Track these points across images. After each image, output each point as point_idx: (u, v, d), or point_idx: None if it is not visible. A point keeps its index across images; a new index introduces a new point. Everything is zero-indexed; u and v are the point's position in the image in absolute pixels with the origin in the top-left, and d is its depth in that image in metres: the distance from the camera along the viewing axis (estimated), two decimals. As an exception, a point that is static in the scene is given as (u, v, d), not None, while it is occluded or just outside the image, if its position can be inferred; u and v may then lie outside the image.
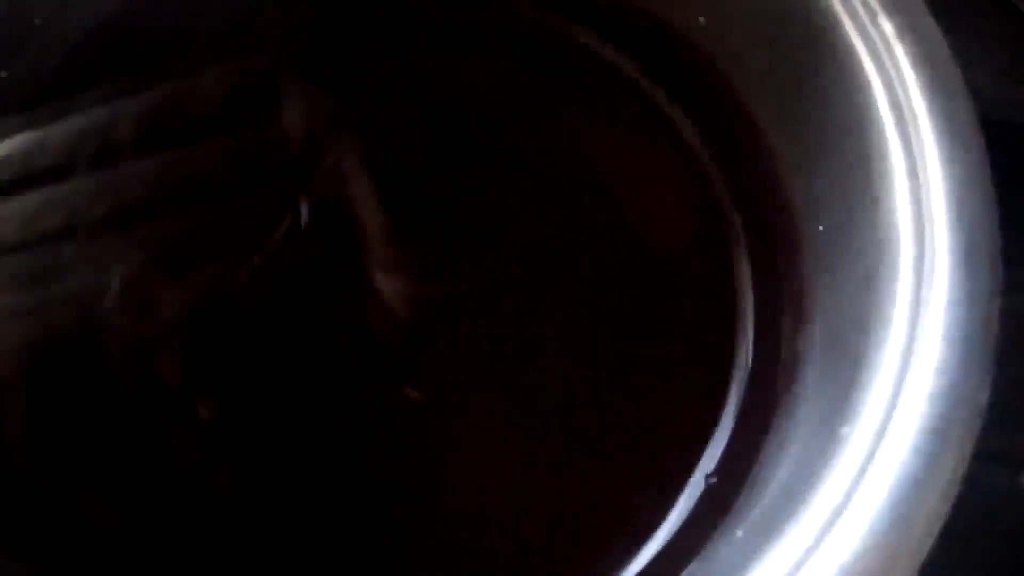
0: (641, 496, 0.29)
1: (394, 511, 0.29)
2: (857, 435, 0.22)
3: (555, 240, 0.32)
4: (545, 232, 0.32)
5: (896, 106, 0.25)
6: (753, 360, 0.30)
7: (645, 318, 0.31)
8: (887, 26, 0.25)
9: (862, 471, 0.21)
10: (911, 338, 0.22)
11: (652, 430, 0.30)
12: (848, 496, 0.21)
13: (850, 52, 0.26)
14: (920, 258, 0.23)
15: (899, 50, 0.25)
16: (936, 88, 0.25)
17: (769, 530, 0.22)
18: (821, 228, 0.28)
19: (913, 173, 0.24)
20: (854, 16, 0.26)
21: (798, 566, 0.21)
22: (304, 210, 0.31)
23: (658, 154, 0.34)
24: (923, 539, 0.20)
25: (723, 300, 0.31)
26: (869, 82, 0.26)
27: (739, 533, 0.24)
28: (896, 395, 0.22)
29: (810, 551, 0.21)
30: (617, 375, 0.31)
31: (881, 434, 0.22)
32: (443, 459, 0.30)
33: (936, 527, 0.21)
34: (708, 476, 0.29)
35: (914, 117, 0.25)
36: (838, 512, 0.21)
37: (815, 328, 0.27)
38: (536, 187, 0.33)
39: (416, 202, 0.32)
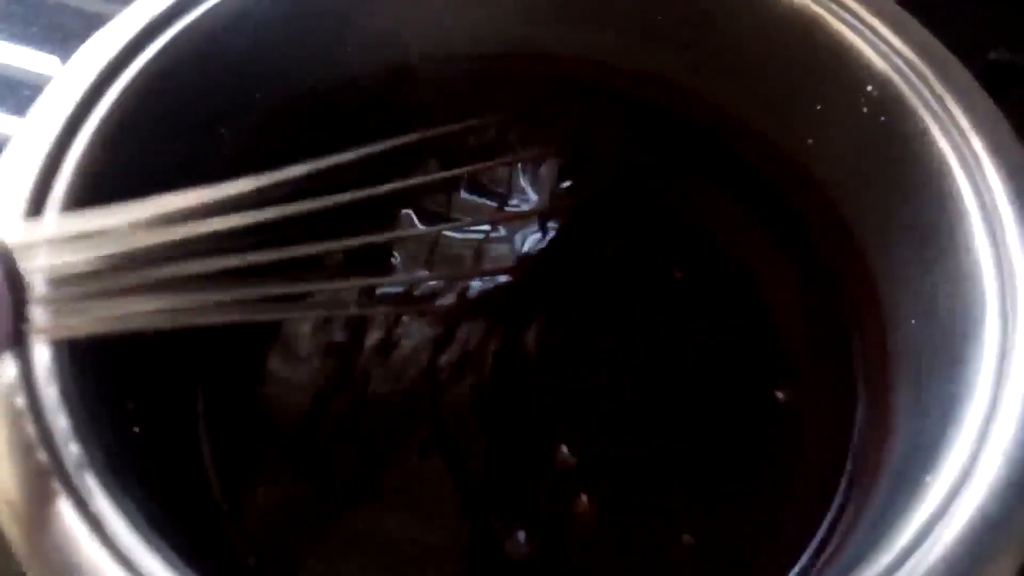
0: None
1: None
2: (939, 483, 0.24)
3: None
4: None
5: (986, 216, 0.29)
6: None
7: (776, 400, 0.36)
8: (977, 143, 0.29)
9: (941, 514, 0.24)
10: (992, 403, 0.25)
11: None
12: (926, 534, 0.24)
13: (945, 170, 0.30)
14: (1004, 339, 0.26)
15: (990, 168, 0.29)
16: (1021, 198, 0.28)
17: None
18: (913, 322, 0.31)
19: (1000, 271, 0.28)
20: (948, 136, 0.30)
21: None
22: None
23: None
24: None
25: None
26: (963, 201, 0.29)
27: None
28: (977, 454, 0.25)
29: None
30: (743, 446, 0.35)
31: (961, 485, 0.24)
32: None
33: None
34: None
35: (1002, 227, 0.28)
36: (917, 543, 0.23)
37: (903, 398, 0.31)
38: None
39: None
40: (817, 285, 0.37)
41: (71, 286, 0.25)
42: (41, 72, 0.49)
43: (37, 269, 0.24)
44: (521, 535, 0.32)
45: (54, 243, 0.25)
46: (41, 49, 0.49)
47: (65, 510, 0.23)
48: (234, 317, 0.28)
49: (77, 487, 0.23)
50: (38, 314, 0.24)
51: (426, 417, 0.35)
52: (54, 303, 0.25)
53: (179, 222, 0.27)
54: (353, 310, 0.37)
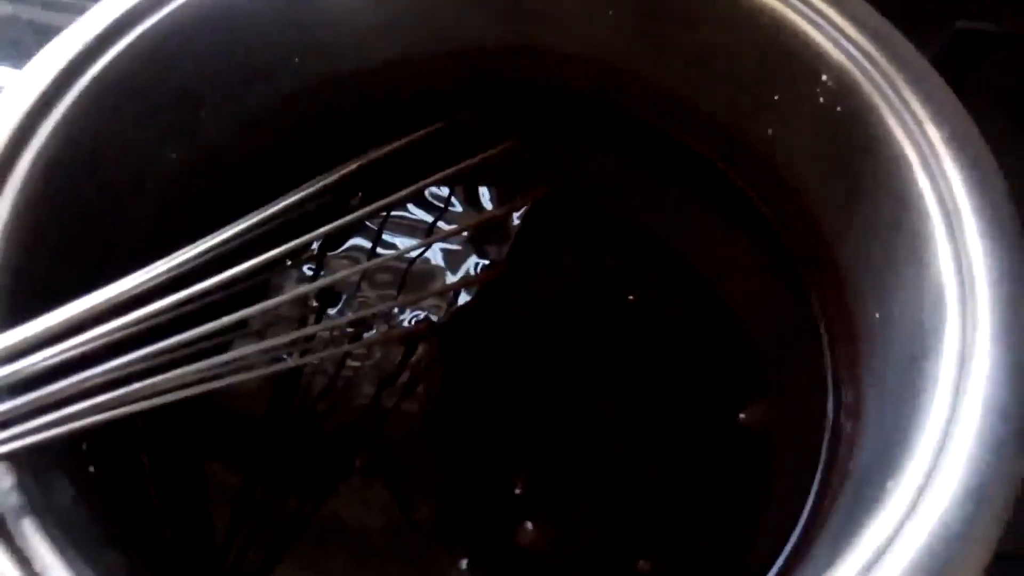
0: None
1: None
2: (900, 490, 0.24)
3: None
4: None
5: (944, 207, 0.28)
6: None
7: (745, 391, 0.35)
8: (934, 133, 0.29)
9: (905, 520, 0.23)
10: (954, 404, 0.25)
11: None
12: (890, 542, 0.23)
13: (903, 162, 0.29)
14: (964, 334, 0.26)
15: (947, 159, 0.29)
16: (979, 189, 0.28)
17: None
18: (877, 316, 0.31)
19: (959, 264, 0.27)
20: (904, 126, 0.29)
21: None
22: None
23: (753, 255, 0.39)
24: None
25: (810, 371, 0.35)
26: (920, 191, 0.29)
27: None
28: (938, 458, 0.24)
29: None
30: (705, 468, 0.34)
31: (922, 491, 0.24)
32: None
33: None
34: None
35: (959, 218, 0.28)
36: (879, 556, 0.23)
37: (869, 396, 0.30)
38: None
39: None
40: (784, 285, 0.37)
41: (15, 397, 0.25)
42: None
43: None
44: (463, 563, 0.32)
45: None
46: (-7, 63, 0.49)
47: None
48: (188, 392, 0.28)
49: (12, 534, 0.23)
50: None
51: (372, 440, 0.34)
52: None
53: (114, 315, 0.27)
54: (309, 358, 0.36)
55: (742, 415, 0.34)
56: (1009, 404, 0.24)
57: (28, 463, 0.24)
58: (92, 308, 0.27)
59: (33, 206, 0.29)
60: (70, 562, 0.22)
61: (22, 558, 0.22)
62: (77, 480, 0.26)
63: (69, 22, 0.32)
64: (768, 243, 0.38)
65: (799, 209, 0.35)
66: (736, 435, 0.34)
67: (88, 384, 0.26)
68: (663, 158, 0.40)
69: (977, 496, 0.23)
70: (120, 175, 0.32)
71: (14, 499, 0.23)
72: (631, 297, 0.37)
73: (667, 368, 0.36)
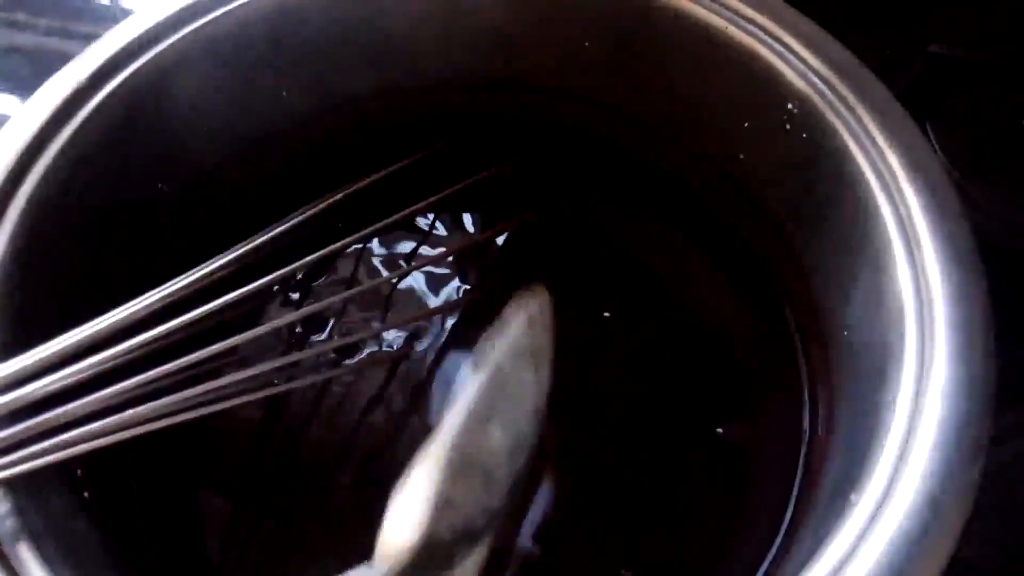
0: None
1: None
2: (863, 501, 0.25)
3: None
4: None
5: (903, 230, 0.29)
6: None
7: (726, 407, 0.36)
8: (894, 159, 0.30)
9: (866, 531, 0.24)
10: (912, 419, 0.26)
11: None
12: (853, 548, 0.24)
13: (865, 186, 0.31)
14: (922, 353, 0.27)
15: (906, 184, 0.30)
16: (936, 212, 0.29)
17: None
18: (845, 333, 0.32)
19: (917, 286, 0.28)
20: (865, 152, 0.31)
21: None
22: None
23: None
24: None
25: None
26: (881, 214, 0.30)
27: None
28: (897, 471, 0.25)
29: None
30: (686, 481, 0.35)
31: (882, 503, 0.25)
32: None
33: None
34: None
35: (919, 242, 0.29)
36: (841, 566, 0.24)
37: (840, 410, 0.31)
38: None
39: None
40: (761, 304, 0.38)
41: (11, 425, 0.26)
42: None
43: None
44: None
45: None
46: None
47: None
48: (179, 419, 0.29)
49: (8, 557, 0.24)
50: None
51: (360, 460, 0.35)
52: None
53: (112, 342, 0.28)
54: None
55: (721, 430, 0.35)
56: (962, 419, 0.25)
57: (25, 488, 0.25)
58: (85, 338, 0.28)
59: (28, 239, 0.30)
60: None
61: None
62: (72, 506, 0.27)
63: (68, 49, 0.33)
64: (745, 264, 0.39)
65: (773, 232, 0.36)
66: (716, 450, 0.35)
67: (81, 412, 0.27)
68: (642, 183, 0.41)
69: (933, 506, 0.24)
70: (115, 207, 0.33)
71: (10, 524, 0.24)
72: (611, 316, 0.38)
73: (649, 385, 0.37)
